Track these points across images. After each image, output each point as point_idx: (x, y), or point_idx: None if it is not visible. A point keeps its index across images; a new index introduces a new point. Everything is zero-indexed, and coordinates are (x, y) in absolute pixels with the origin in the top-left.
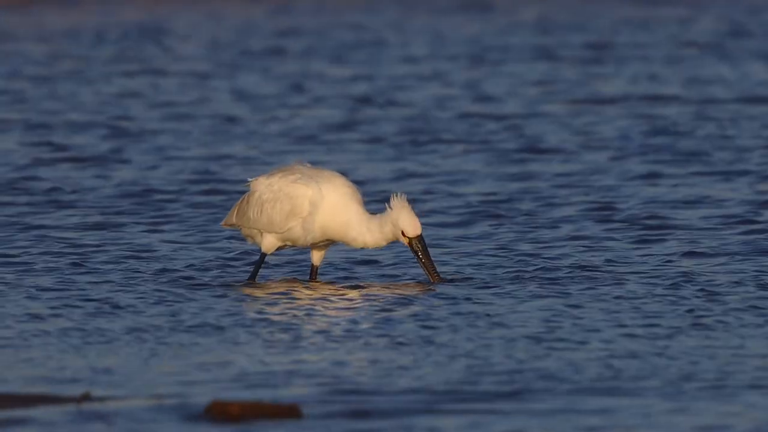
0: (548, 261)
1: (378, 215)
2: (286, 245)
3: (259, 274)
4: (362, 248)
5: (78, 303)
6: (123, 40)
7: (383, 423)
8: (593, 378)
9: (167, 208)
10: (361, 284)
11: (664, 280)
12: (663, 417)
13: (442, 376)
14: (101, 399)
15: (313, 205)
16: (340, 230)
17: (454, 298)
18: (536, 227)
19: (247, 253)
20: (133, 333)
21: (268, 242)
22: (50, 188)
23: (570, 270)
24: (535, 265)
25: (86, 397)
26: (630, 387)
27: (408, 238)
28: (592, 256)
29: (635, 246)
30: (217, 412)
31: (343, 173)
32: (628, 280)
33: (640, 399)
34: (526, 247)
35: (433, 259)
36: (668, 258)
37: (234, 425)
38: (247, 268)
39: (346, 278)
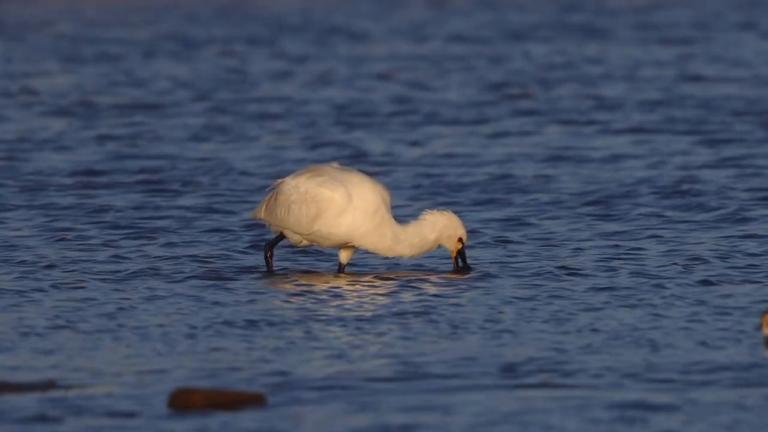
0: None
1: (412, 223)
2: (312, 245)
3: (274, 252)
4: (393, 257)
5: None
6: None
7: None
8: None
9: None
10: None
11: None
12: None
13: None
14: (66, 387)
15: (340, 209)
16: (367, 238)
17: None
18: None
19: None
20: (106, 320)
21: (295, 239)
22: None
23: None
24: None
25: (51, 385)
26: None
27: (461, 243)
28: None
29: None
30: (181, 400)
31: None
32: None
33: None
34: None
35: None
36: None
37: (198, 413)
38: (257, 255)
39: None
